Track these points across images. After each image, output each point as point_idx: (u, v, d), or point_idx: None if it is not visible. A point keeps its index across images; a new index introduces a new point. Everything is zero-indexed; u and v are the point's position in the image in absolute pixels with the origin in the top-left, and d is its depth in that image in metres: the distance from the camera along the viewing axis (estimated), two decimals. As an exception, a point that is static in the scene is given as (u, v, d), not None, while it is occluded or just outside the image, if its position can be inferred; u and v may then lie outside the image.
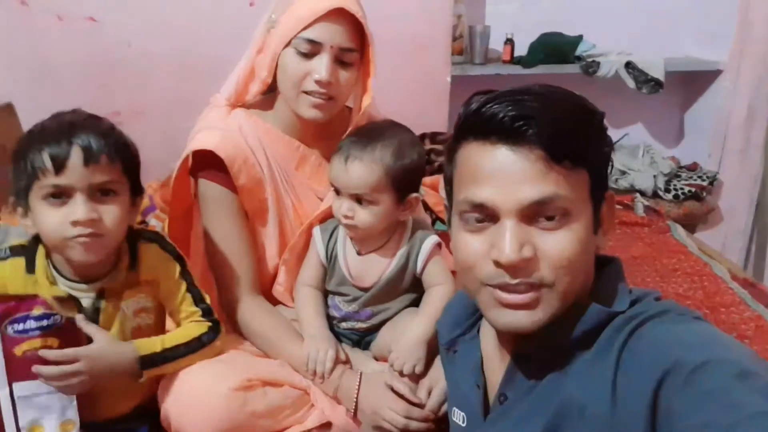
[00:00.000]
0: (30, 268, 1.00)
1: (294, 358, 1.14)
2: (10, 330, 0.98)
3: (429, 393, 1.09)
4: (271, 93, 1.24)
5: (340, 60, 1.12)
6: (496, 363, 0.81)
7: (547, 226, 0.67)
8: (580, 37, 2.63)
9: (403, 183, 1.12)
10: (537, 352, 0.73)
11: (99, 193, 0.94)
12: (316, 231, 1.22)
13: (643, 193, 2.59)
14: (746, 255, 2.83)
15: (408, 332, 1.13)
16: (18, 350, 0.98)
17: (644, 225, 2.16)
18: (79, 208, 0.92)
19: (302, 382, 1.13)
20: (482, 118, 0.68)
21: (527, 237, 0.67)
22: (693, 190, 2.66)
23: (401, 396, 1.07)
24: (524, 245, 0.66)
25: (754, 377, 0.56)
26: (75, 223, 0.92)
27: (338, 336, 1.22)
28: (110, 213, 0.96)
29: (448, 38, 2.45)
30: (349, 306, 1.20)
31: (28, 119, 2.17)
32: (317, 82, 1.11)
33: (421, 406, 1.08)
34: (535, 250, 0.67)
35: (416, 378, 1.11)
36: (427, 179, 2.17)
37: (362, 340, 1.23)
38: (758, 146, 2.71)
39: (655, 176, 2.68)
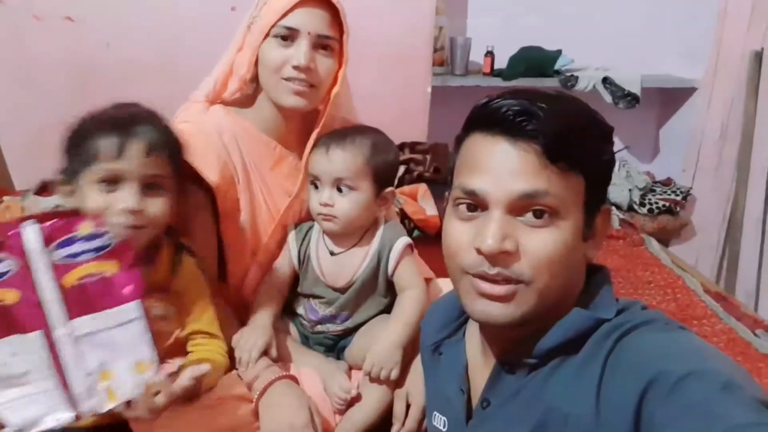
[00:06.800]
0: None
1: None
2: (57, 256, 0.83)
3: (407, 405, 1.08)
4: (252, 91, 1.23)
5: (318, 47, 1.13)
6: (480, 367, 0.80)
7: (534, 223, 0.68)
8: (559, 52, 2.67)
9: (380, 174, 1.15)
10: (522, 358, 0.73)
11: (146, 187, 0.96)
12: (291, 233, 1.22)
13: (618, 207, 2.63)
14: (718, 269, 2.87)
15: (383, 337, 1.12)
16: (69, 279, 0.83)
17: (619, 238, 2.18)
18: (129, 196, 0.94)
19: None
20: (488, 111, 0.70)
21: (512, 230, 0.68)
22: (667, 204, 2.71)
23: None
24: (507, 238, 0.67)
25: (738, 389, 0.56)
26: (123, 211, 0.93)
27: (310, 341, 1.21)
28: (154, 206, 0.97)
29: (429, 49, 2.47)
30: (326, 309, 1.19)
31: (4, 118, 2.15)
32: (295, 67, 1.11)
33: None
34: (518, 246, 0.67)
35: (392, 384, 1.10)
36: (405, 188, 2.17)
37: (336, 345, 1.22)
38: (730, 163, 2.77)
39: (630, 190, 2.72)
